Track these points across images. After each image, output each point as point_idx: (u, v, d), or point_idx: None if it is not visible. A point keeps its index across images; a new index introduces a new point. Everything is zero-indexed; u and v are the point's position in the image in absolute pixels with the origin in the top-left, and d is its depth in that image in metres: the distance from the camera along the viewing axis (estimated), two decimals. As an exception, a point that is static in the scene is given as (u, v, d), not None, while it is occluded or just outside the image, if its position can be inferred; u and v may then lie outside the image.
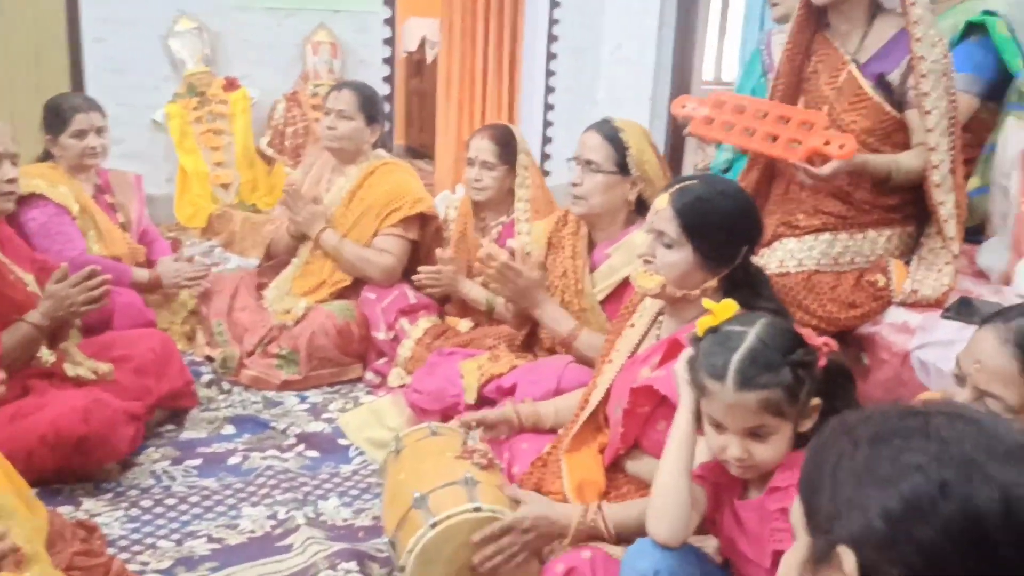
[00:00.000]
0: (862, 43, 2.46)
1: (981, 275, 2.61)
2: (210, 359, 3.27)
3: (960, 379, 1.47)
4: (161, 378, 2.77)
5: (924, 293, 2.39)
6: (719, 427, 1.53)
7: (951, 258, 2.42)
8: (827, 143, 2.24)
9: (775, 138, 2.36)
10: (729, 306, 1.58)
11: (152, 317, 3.24)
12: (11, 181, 2.65)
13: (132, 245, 3.37)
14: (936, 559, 0.73)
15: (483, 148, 3.09)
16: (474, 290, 3.05)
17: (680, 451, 1.59)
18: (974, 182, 2.83)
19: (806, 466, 0.87)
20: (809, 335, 1.55)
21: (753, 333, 1.51)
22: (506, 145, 3.09)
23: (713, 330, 1.56)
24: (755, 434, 1.50)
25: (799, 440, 1.52)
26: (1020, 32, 2.87)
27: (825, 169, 2.25)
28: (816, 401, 1.51)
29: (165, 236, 3.85)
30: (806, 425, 1.52)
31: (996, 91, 2.86)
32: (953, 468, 0.74)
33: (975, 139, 2.84)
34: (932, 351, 2.23)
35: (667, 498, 1.58)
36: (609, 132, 2.52)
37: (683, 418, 1.61)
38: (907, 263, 2.48)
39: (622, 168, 2.51)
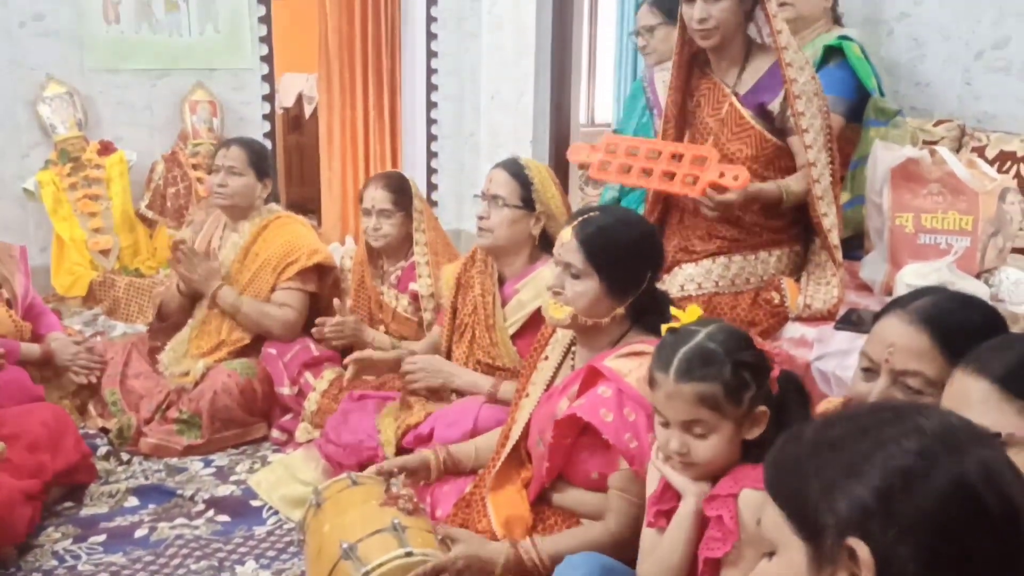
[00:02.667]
0: (740, 77, 2.62)
1: (864, 287, 2.77)
2: (105, 431, 3.12)
3: (869, 372, 1.51)
4: (56, 453, 2.63)
5: (817, 307, 2.53)
6: (666, 424, 1.58)
7: (836, 270, 2.56)
8: (722, 175, 2.37)
9: (672, 176, 2.49)
10: (693, 311, 1.66)
11: (40, 392, 3.07)
12: None
13: (17, 322, 3.18)
14: (940, 526, 0.79)
15: (378, 197, 3.10)
16: (378, 338, 3.03)
17: (683, 531, 1.58)
18: (844, 196, 3.02)
19: (780, 478, 0.89)
20: (764, 345, 1.60)
21: (704, 332, 1.58)
22: (401, 191, 3.11)
23: (673, 330, 1.62)
24: (695, 431, 1.54)
25: (748, 450, 1.55)
26: (872, 55, 3.10)
27: (728, 196, 2.38)
28: (763, 409, 1.54)
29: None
30: (753, 432, 1.55)
31: (856, 111, 3.07)
32: (936, 443, 0.82)
33: (841, 157, 3.02)
34: (830, 361, 2.35)
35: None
36: (515, 169, 2.64)
37: (687, 504, 1.59)
38: (797, 280, 2.61)
39: (527, 203, 2.60)
